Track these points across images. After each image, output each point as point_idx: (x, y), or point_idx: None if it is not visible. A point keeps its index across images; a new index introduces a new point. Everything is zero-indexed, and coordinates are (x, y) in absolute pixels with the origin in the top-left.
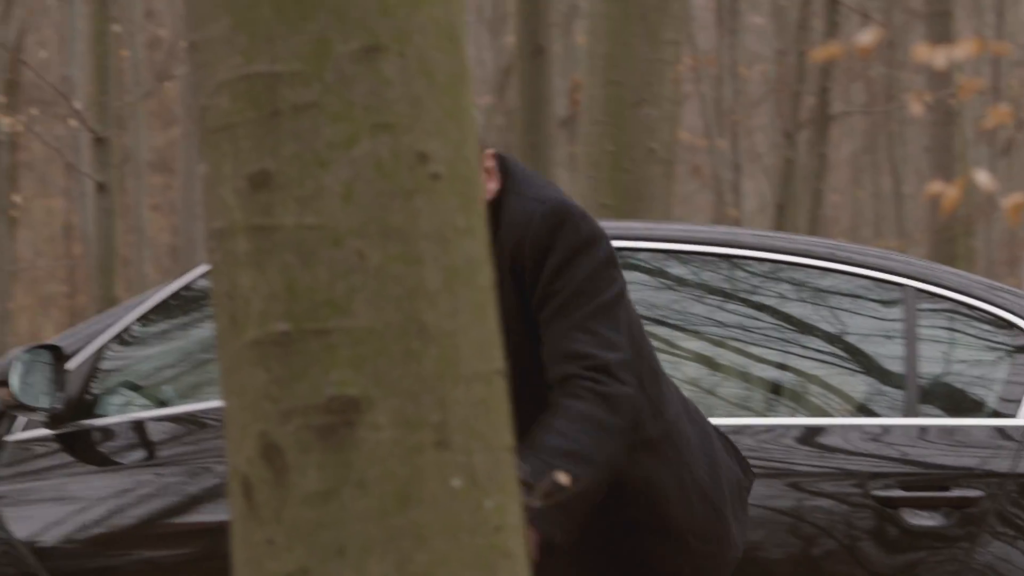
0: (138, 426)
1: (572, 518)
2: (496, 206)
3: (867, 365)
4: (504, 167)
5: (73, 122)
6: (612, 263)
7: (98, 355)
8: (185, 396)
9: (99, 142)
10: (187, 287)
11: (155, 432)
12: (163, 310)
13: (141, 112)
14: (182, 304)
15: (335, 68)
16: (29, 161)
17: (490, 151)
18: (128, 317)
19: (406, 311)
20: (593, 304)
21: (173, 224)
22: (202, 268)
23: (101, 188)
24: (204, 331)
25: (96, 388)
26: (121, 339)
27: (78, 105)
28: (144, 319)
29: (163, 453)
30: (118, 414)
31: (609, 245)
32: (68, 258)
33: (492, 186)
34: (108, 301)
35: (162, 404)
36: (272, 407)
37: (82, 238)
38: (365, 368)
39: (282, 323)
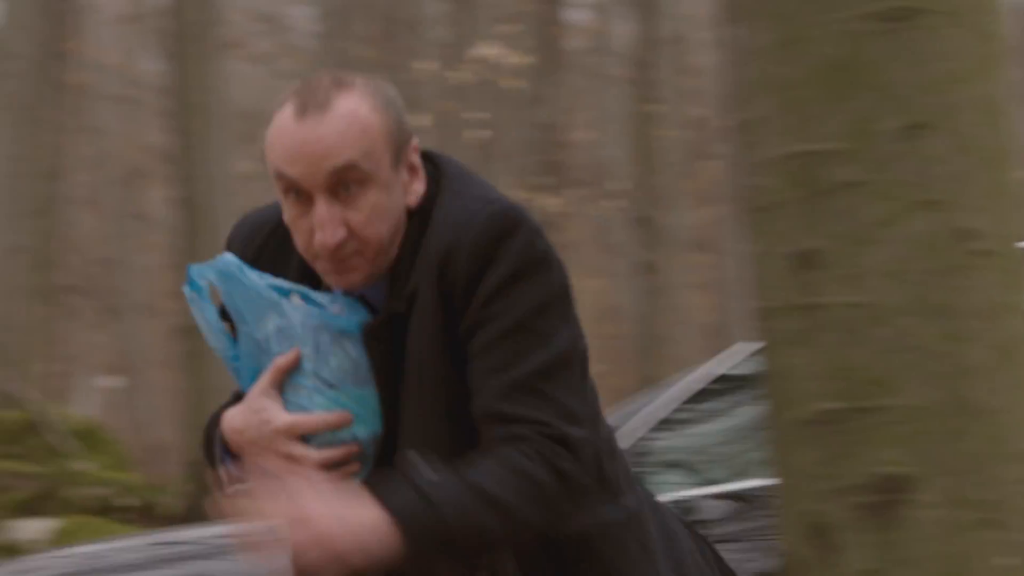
0: (694, 503)
1: (433, 557)
2: (424, 214)
3: None
4: (436, 166)
5: (608, 202)
6: (568, 300)
7: (642, 435)
8: (738, 474)
9: (642, 222)
10: (731, 370)
11: (711, 510)
12: (710, 389)
13: (680, 191)
14: (724, 384)
15: (878, 146)
16: (568, 242)
17: (414, 144)
18: (670, 396)
19: (951, 389)
20: (544, 355)
21: (706, 303)
22: (741, 348)
23: (648, 268)
24: (751, 410)
25: (641, 467)
26: (665, 419)
27: (618, 185)
28: (689, 399)
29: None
30: (666, 492)
31: (567, 279)
32: (600, 337)
33: (418, 187)
34: (648, 380)
35: (710, 482)
36: (820, 485)
37: (622, 317)
38: (912, 446)
39: (831, 401)
